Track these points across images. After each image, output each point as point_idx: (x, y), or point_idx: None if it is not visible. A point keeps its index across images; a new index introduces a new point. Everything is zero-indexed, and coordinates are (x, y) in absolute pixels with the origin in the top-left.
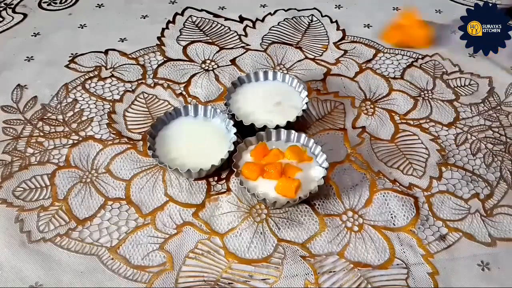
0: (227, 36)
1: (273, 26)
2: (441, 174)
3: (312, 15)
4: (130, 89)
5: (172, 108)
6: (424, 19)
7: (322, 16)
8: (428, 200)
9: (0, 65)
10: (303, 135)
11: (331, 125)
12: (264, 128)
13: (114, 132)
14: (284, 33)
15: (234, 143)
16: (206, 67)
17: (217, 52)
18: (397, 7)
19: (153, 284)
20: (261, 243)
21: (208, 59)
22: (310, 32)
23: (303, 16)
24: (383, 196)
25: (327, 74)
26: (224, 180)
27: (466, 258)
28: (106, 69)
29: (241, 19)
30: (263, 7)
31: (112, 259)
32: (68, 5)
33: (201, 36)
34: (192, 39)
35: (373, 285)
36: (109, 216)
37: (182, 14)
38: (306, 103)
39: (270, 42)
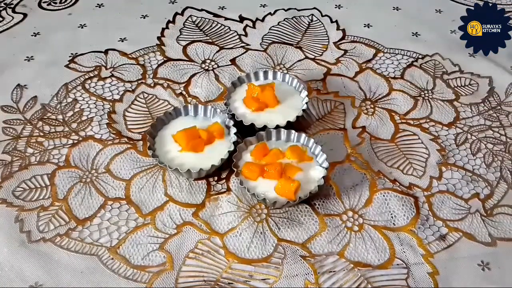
0: (227, 36)
1: (273, 26)
2: (441, 174)
3: (312, 14)
4: (130, 89)
5: (172, 108)
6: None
7: (322, 16)
8: (428, 200)
9: (0, 65)
10: (303, 135)
11: (331, 125)
12: (264, 128)
13: (114, 132)
14: (284, 33)
15: (234, 143)
16: (206, 67)
17: (217, 52)
18: (397, 7)
19: (153, 284)
20: (261, 243)
21: (208, 59)
22: (310, 32)
23: (303, 16)
24: (383, 196)
25: (327, 74)
26: (224, 180)
27: (466, 258)
28: (106, 69)
29: (241, 19)
30: (263, 7)
31: (112, 259)
32: (68, 5)
33: (201, 36)
34: (192, 39)
35: (373, 285)
36: (109, 216)
37: (182, 14)
38: (306, 103)
39: (270, 42)
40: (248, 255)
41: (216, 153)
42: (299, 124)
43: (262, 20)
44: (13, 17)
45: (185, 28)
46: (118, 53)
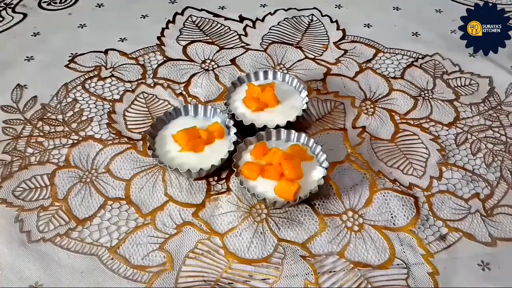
0: (227, 36)
1: (273, 26)
2: (441, 174)
3: (312, 14)
4: (130, 89)
5: (172, 108)
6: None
7: (322, 15)
8: (428, 200)
9: (0, 65)
10: (303, 134)
11: (331, 125)
12: (264, 128)
13: (114, 132)
14: (284, 33)
15: (234, 143)
16: (206, 67)
17: (217, 51)
18: (397, 7)
19: (153, 284)
20: (261, 243)
21: (208, 59)
22: (310, 32)
23: (303, 16)
24: (383, 196)
25: (327, 74)
26: (224, 180)
27: (466, 258)
28: (106, 69)
29: (241, 19)
30: (263, 7)
31: (112, 259)
32: (68, 5)
33: (201, 36)
34: (192, 39)
35: (373, 285)
36: (109, 216)
37: (182, 13)
38: (306, 103)
39: (270, 42)
40: (248, 255)
41: (216, 153)
42: (299, 124)
43: (262, 20)
44: (13, 17)
45: (185, 28)
46: (118, 53)
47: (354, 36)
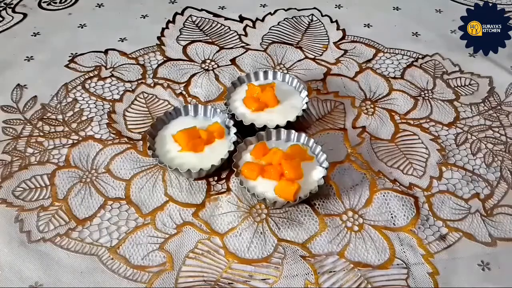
0: (227, 36)
1: (273, 26)
2: (441, 174)
3: (312, 14)
4: (130, 89)
5: (172, 108)
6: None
7: (322, 15)
8: (428, 200)
9: (0, 65)
10: (303, 135)
11: (331, 125)
12: (264, 128)
13: (114, 132)
14: (284, 33)
15: (234, 143)
16: (206, 67)
17: (217, 51)
18: (397, 7)
19: (153, 284)
20: (261, 243)
21: (208, 59)
22: (310, 32)
23: (303, 16)
24: (383, 196)
25: (327, 74)
26: (224, 180)
27: (466, 258)
28: (106, 69)
29: (241, 19)
30: (263, 7)
31: (112, 259)
32: (68, 5)
33: (201, 36)
34: (192, 39)
35: (373, 285)
36: (109, 216)
37: (182, 13)
38: (306, 103)
39: (270, 42)
40: (248, 255)
41: (216, 153)
42: (299, 124)
43: (262, 20)
44: (13, 17)
45: (185, 28)
46: (118, 53)
47: (354, 36)
